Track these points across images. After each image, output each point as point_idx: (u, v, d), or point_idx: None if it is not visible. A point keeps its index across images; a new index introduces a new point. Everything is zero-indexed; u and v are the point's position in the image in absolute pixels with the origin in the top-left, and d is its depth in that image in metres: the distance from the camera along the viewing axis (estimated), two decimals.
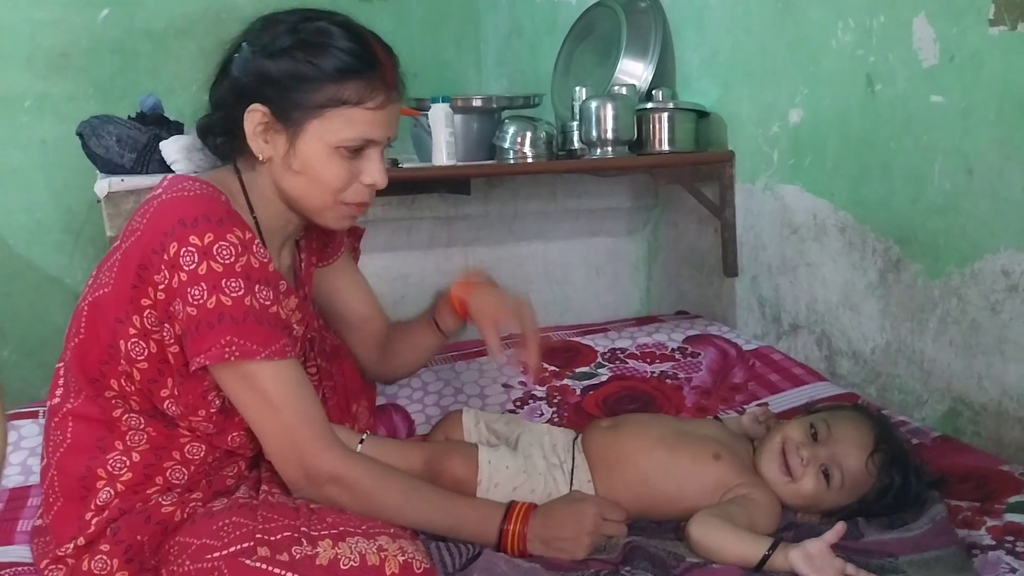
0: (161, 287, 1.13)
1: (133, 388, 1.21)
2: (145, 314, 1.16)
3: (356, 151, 1.22)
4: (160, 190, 1.21)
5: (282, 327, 1.18)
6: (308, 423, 1.20)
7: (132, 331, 1.17)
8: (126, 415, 1.22)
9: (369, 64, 1.20)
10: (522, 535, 1.26)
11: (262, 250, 1.18)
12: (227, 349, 1.12)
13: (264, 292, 1.15)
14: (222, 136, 1.26)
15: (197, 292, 1.11)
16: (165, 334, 1.17)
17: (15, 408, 1.71)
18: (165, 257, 1.12)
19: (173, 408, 1.22)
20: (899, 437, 1.46)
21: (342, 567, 1.06)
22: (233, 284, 1.12)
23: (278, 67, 1.18)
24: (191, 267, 1.11)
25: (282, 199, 1.27)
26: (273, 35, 1.20)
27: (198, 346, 1.13)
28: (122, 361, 1.19)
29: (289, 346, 1.18)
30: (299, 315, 1.31)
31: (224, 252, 1.12)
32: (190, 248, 1.11)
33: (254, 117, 1.20)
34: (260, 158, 1.22)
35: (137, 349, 1.18)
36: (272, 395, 1.17)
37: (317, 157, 1.21)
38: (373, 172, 1.24)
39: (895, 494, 1.36)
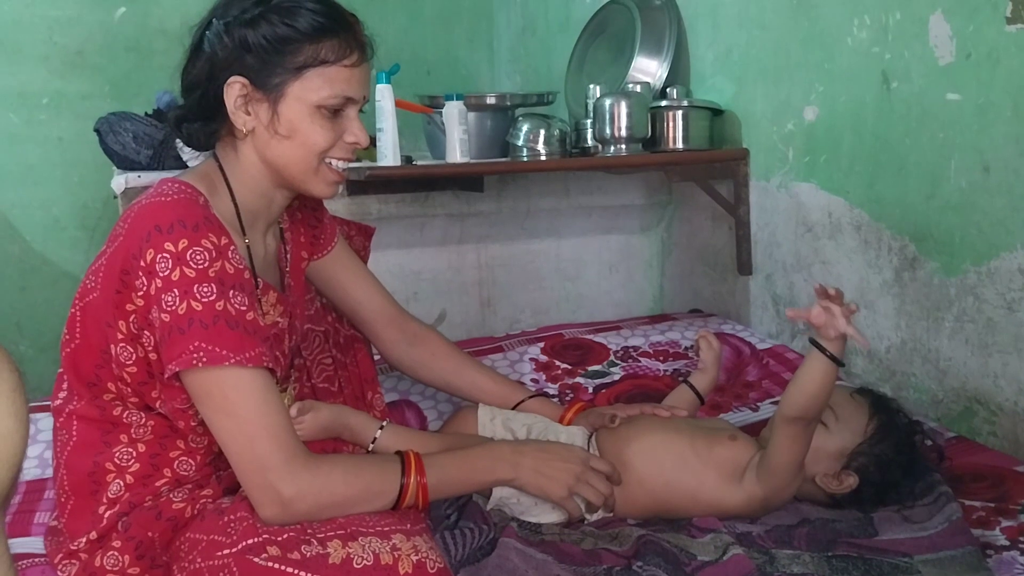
0: (140, 293, 1.13)
1: (129, 390, 1.21)
2: (131, 319, 1.15)
3: (336, 111, 1.23)
4: (144, 194, 1.21)
5: (259, 334, 1.14)
6: (272, 435, 1.13)
7: (120, 335, 1.16)
8: (126, 412, 1.22)
9: (342, 24, 1.22)
10: (422, 486, 1.22)
11: (238, 256, 1.17)
12: (195, 355, 1.09)
13: (239, 298, 1.13)
14: (198, 121, 1.25)
15: (170, 298, 1.10)
16: (145, 340, 1.16)
17: (31, 402, 1.73)
18: (143, 264, 1.11)
19: (164, 409, 1.21)
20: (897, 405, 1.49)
21: (355, 566, 1.05)
22: (204, 289, 1.10)
23: (255, 34, 1.19)
24: (165, 273, 1.10)
25: (268, 170, 1.26)
26: (242, 6, 1.21)
27: (169, 352, 1.11)
28: (113, 365, 1.19)
29: (266, 355, 1.14)
30: (281, 308, 1.31)
31: (198, 257, 1.11)
32: (165, 254, 1.10)
33: (234, 90, 1.20)
34: (244, 130, 1.22)
35: (125, 353, 1.18)
36: (237, 404, 1.12)
37: (300, 118, 1.21)
38: (355, 130, 1.26)
39: (894, 441, 1.39)
